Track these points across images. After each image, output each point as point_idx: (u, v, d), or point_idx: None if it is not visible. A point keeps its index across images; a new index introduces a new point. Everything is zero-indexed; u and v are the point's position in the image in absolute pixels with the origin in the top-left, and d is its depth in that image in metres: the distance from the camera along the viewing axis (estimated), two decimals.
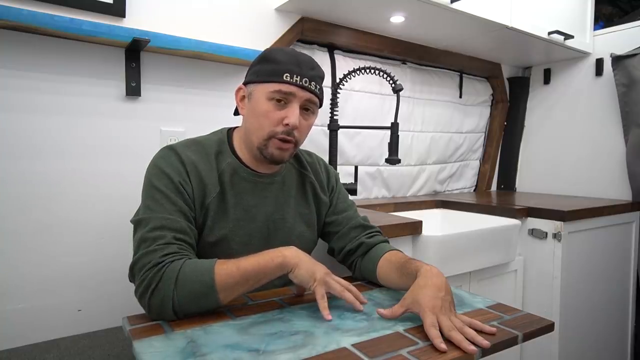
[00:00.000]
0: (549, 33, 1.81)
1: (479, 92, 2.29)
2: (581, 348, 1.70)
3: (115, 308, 1.11)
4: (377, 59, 1.87)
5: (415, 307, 0.71)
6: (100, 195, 1.16)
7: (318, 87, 0.87)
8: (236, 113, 0.93)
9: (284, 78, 0.82)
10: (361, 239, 0.96)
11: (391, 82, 1.35)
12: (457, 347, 0.63)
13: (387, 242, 0.99)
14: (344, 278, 0.96)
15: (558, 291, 1.59)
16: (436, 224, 1.87)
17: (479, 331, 0.67)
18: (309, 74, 0.84)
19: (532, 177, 2.33)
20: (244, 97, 0.89)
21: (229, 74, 1.36)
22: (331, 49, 1.72)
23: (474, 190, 2.38)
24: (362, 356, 0.60)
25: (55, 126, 1.10)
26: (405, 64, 1.96)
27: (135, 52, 1.19)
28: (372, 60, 1.84)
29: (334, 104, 1.53)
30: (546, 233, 1.61)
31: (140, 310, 0.74)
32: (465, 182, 2.33)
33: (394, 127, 1.37)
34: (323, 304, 0.74)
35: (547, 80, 2.27)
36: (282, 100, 0.83)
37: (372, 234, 0.98)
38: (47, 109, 1.09)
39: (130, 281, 0.77)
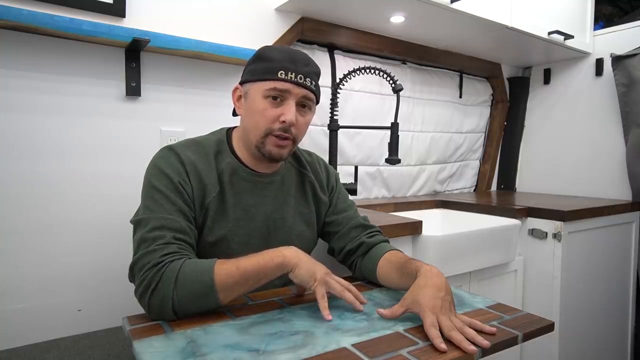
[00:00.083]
0: (549, 33, 1.81)
1: (479, 92, 2.29)
2: (581, 348, 1.70)
3: (115, 308, 1.11)
4: (377, 59, 1.87)
5: (415, 307, 0.71)
6: (100, 195, 1.16)
7: (314, 83, 0.86)
8: (235, 114, 0.93)
9: (279, 75, 0.82)
10: (361, 239, 0.96)
11: (391, 82, 1.35)
12: (457, 347, 0.63)
13: (388, 242, 0.98)
14: (344, 278, 0.96)
15: (558, 291, 1.59)
16: (436, 224, 1.87)
17: (479, 331, 0.67)
18: (303, 71, 0.84)
19: (532, 177, 2.33)
20: (240, 96, 0.90)
21: (229, 74, 1.36)
22: (331, 49, 1.72)
23: (474, 190, 2.38)
24: (362, 356, 0.60)
25: (55, 126, 1.10)
26: (405, 64, 1.96)
27: (135, 52, 1.19)
28: (372, 60, 1.84)
29: (334, 104, 1.53)
30: (546, 233, 1.61)
31: (140, 310, 0.74)
32: (465, 182, 2.33)
33: (394, 127, 1.37)
34: (323, 303, 0.74)
35: (547, 80, 2.27)
36: (278, 98, 0.83)
37: (372, 234, 0.98)
38: (47, 109, 1.09)
39: (131, 281, 0.77)
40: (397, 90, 1.34)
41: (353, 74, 1.46)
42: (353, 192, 1.43)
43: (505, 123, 2.37)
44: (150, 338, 0.65)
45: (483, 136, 2.38)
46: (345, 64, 1.72)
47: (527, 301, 1.67)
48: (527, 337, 0.70)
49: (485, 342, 0.64)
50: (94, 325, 1.10)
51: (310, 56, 0.90)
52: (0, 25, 1.00)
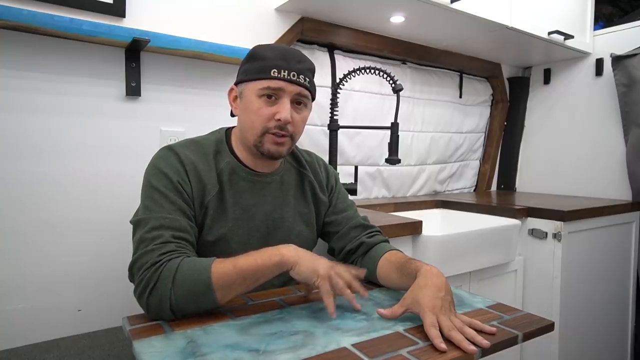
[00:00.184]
0: (549, 33, 1.81)
1: (479, 92, 2.29)
2: (581, 348, 1.70)
3: (115, 308, 1.12)
4: (377, 59, 1.87)
5: (415, 307, 0.71)
6: (100, 195, 1.16)
7: (308, 80, 0.86)
8: (233, 114, 0.93)
9: (272, 74, 0.82)
10: (361, 239, 0.96)
11: (391, 82, 1.35)
12: (457, 347, 0.63)
13: (387, 241, 0.98)
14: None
15: (558, 291, 1.59)
16: (436, 224, 1.87)
17: (479, 331, 0.67)
18: (296, 68, 0.84)
19: (532, 177, 2.33)
20: (236, 97, 0.90)
21: (229, 74, 1.36)
22: (331, 49, 1.72)
23: (474, 190, 2.38)
24: (362, 356, 0.60)
25: (55, 126, 1.10)
26: (405, 64, 1.96)
27: (135, 52, 1.19)
28: (372, 60, 1.84)
29: (334, 104, 1.53)
30: (546, 233, 1.61)
31: (140, 310, 0.74)
32: (465, 182, 2.33)
33: (394, 127, 1.37)
34: (328, 300, 0.72)
35: (547, 80, 2.27)
36: (272, 96, 0.83)
37: (372, 234, 0.98)
38: (47, 109, 1.09)
39: (131, 281, 0.77)
40: (397, 90, 1.34)
41: (353, 74, 1.46)
42: (353, 192, 1.43)
43: (505, 123, 2.37)
44: (150, 338, 0.65)
45: (483, 136, 2.38)
46: (345, 64, 1.72)
47: (527, 301, 1.67)
48: (527, 337, 0.69)
49: (485, 342, 0.64)
50: (94, 325, 1.10)
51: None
52: (0, 25, 0.99)
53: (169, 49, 1.19)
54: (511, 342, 0.68)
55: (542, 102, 2.29)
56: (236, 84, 0.89)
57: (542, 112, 2.29)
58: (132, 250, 0.77)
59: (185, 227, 0.79)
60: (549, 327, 0.73)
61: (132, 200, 0.91)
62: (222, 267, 0.72)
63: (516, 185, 2.38)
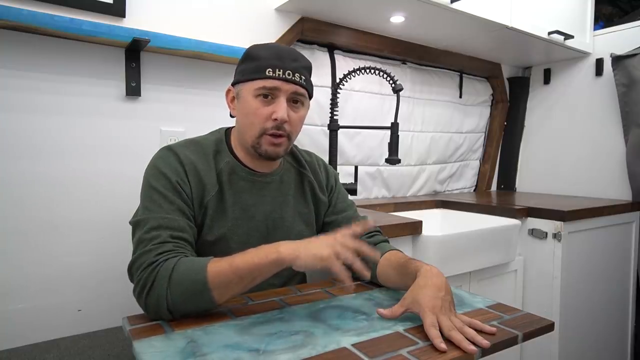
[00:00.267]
0: (549, 33, 1.81)
1: (479, 92, 2.29)
2: (581, 348, 1.70)
3: (115, 308, 1.12)
4: (377, 59, 1.87)
5: (415, 307, 0.71)
6: (100, 195, 1.16)
7: (303, 78, 0.86)
8: (233, 115, 0.93)
9: (267, 73, 0.82)
10: (361, 239, 0.96)
11: (391, 82, 1.35)
12: (457, 347, 0.63)
13: (387, 242, 0.98)
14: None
15: (558, 291, 1.59)
16: (436, 224, 1.87)
17: (479, 331, 0.67)
18: (291, 66, 0.84)
19: (532, 177, 2.33)
20: (233, 98, 0.90)
21: (229, 74, 1.36)
22: (331, 49, 1.72)
23: (474, 190, 2.38)
24: (362, 356, 0.60)
25: (55, 126, 1.10)
26: (405, 64, 1.96)
27: (135, 52, 1.19)
28: (372, 60, 1.84)
29: (334, 104, 1.53)
30: (546, 233, 1.61)
31: (140, 310, 0.74)
32: (465, 182, 2.33)
33: (394, 127, 1.37)
34: (342, 276, 0.68)
35: (547, 80, 2.27)
36: (268, 96, 0.83)
37: (372, 234, 0.98)
38: (47, 109, 1.09)
39: (131, 282, 0.77)
40: (397, 90, 1.34)
41: (353, 74, 1.46)
42: (353, 192, 1.43)
43: (505, 123, 2.37)
44: (150, 338, 0.65)
45: (483, 136, 2.38)
46: (345, 64, 1.72)
47: (527, 301, 1.67)
48: (527, 337, 0.69)
49: (485, 342, 0.64)
50: (94, 325, 1.10)
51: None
52: (0, 25, 1.00)
53: (169, 49, 1.19)
54: (511, 342, 0.68)
55: (542, 102, 2.29)
56: (233, 84, 0.90)
57: (542, 112, 2.29)
58: (132, 251, 0.78)
59: (184, 226, 0.79)
60: (549, 327, 0.73)
61: (132, 200, 0.91)
62: (218, 266, 0.71)
63: (516, 185, 2.38)
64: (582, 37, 2.00)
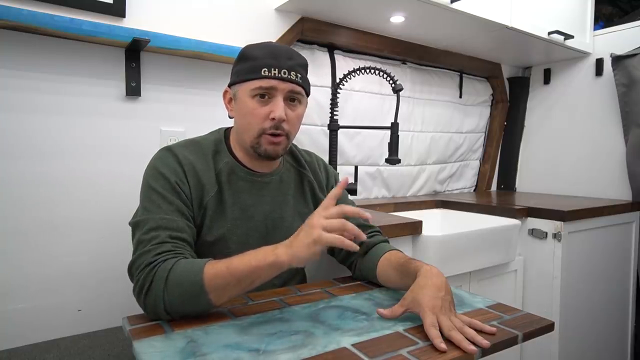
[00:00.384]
0: (549, 33, 1.81)
1: (479, 92, 2.29)
2: (581, 348, 1.70)
3: (115, 308, 1.12)
4: (377, 59, 1.87)
5: (415, 307, 0.71)
6: (100, 195, 1.16)
7: (299, 76, 0.85)
8: (231, 116, 0.93)
9: (262, 73, 0.82)
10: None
11: (391, 82, 1.35)
12: (457, 347, 0.63)
13: (387, 242, 0.98)
14: (343, 278, 0.97)
15: (558, 291, 1.59)
16: (436, 224, 1.87)
17: (479, 331, 0.67)
18: (287, 65, 0.83)
19: (532, 177, 2.33)
20: (231, 99, 0.90)
21: (229, 74, 1.33)
22: (331, 49, 1.72)
23: (474, 190, 2.38)
24: (362, 356, 0.60)
25: (55, 126, 1.10)
26: (405, 64, 1.96)
27: (135, 52, 1.19)
28: (372, 60, 1.84)
29: (334, 104, 1.53)
30: (546, 233, 1.61)
31: (140, 310, 0.74)
32: (465, 182, 2.33)
33: (394, 127, 1.37)
34: (346, 243, 0.66)
35: (547, 80, 2.27)
36: (265, 96, 0.83)
37: (372, 234, 0.98)
38: (47, 109, 1.09)
39: (132, 282, 0.77)
40: (397, 90, 1.34)
41: (353, 74, 1.46)
42: (353, 192, 1.43)
43: (505, 123, 2.37)
44: (150, 338, 0.65)
45: (483, 136, 2.38)
46: (345, 64, 1.72)
47: (527, 301, 1.67)
48: (527, 337, 0.69)
49: (485, 342, 0.64)
50: (94, 325, 1.10)
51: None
52: (0, 25, 0.99)
53: (169, 49, 1.19)
54: (511, 342, 0.68)
55: (542, 102, 2.29)
56: (229, 85, 0.90)
57: (542, 112, 2.29)
58: (132, 252, 0.78)
59: (183, 227, 0.79)
60: (549, 327, 0.73)
61: (132, 200, 0.91)
62: (215, 268, 0.70)
63: (516, 185, 2.38)
64: (582, 37, 2.00)
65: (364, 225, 0.99)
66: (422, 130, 2.05)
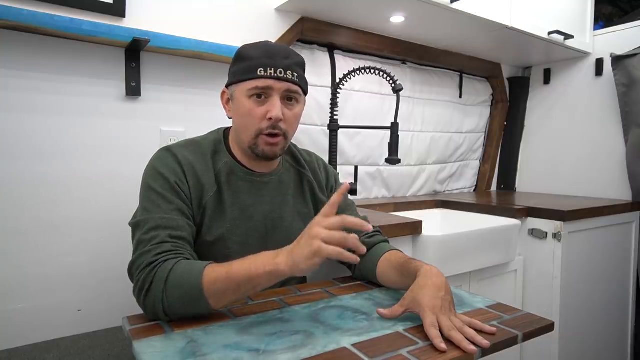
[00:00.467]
0: (549, 33, 1.81)
1: (479, 92, 2.29)
2: (581, 348, 1.70)
3: (115, 308, 1.12)
4: (377, 59, 1.87)
5: (415, 307, 0.71)
6: (100, 195, 1.16)
7: (296, 75, 0.85)
8: (229, 117, 0.93)
9: (259, 73, 0.82)
10: (361, 239, 0.96)
11: (391, 82, 1.35)
12: (457, 347, 0.63)
13: (387, 242, 0.98)
14: (343, 278, 0.97)
15: (558, 291, 1.59)
16: (436, 224, 1.87)
17: (479, 331, 0.67)
18: (283, 64, 0.83)
19: (532, 177, 2.33)
20: (228, 99, 0.89)
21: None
22: (331, 49, 1.72)
23: (474, 190, 2.38)
24: (362, 356, 0.60)
25: (55, 126, 1.10)
26: (405, 64, 1.96)
27: (135, 52, 1.19)
28: (372, 60, 1.84)
29: (334, 104, 1.53)
30: (546, 233, 1.61)
31: (140, 309, 0.74)
32: (465, 182, 2.33)
33: (394, 127, 1.37)
34: (345, 255, 0.64)
35: (547, 80, 2.27)
36: (262, 96, 0.83)
37: (372, 234, 0.98)
38: (47, 109, 1.09)
39: (132, 282, 0.77)
40: (397, 90, 1.34)
41: (353, 74, 1.46)
42: (353, 192, 1.43)
43: (505, 123, 2.37)
44: (150, 338, 0.65)
45: (483, 136, 2.38)
46: (345, 64, 1.72)
47: (527, 301, 1.67)
48: (527, 337, 0.69)
49: (485, 342, 0.64)
50: (94, 325, 1.10)
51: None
52: (0, 25, 0.99)
53: (169, 49, 1.19)
54: (511, 342, 0.68)
55: (542, 102, 2.29)
56: (227, 86, 0.89)
57: (542, 112, 2.29)
58: (132, 252, 0.78)
59: (183, 226, 0.79)
60: (549, 327, 0.73)
61: (132, 200, 0.91)
62: (215, 273, 0.69)
63: (516, 185, 2.38)
64: (582, 37, 2.00)
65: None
66: (422, 130, 2.05)
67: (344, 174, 1.70)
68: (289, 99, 0.86)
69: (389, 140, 1.38)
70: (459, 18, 1.56)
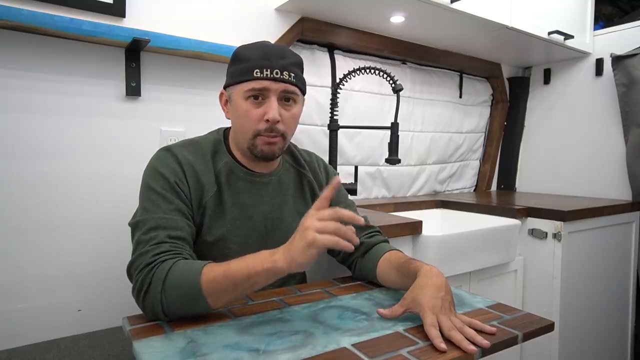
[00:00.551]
0: (549, 33, 1.81)
1: (479, 92, 2.29)
2: (581, 348, 1.70)
3: (115, 308, 1.11)
4: (377, 59, 1.87)
5: (415, 307, 0.71)
6: (100, 195, 1.16)
7: (293, 75, 0.84)
8: (228, 117, 0.93)
9: (255, 74, 0.82)
10: (361, 239, 0.96)
11: (391, 82, 1.35)
12: (457, 347, 0.63)
13: (387, 242, 0.98)
14: (343, 278, 0.97)
15: (558, 291, 1.59)
16: (436, 224, 1.87)
17: (479, 331, 0.67)
18: (279, 65, 0.83)
19: (532, 177, 2.33)
20: (226, 101, 0.89)
21: None
22: (331, 49, 1.72)
23: (474, 190, 2.38)
24: (362, 356, 0.60)
25: (55, 126, 1.10)
26: (405, 64, 1.96)
27: (135, 52, 1.19)
28: (372, 60, 1.84)
29: (334, 104, 1.53)
30: (546, 233, 1.61)
31: (140, 310, 0.74)
32: (465, 182, 2.33)
33: (394, 127, 1.37)
34: (341, 243, 0.65)
35: (547, 80, 2.27)
36: (259, 97, 0.83)
37: (371, 234, 0.98)
38: (47, 109, 1.09)
39: (131, 282, 0.77)
40: (397, 90, 1.34)
41: (353, 74, 1.46)
42: (353, 192, 1.43)
43: (505, 123, 2.37)
44: (150, 338, 0.65)
45: (483, 136, 2.38)
46: (345, 64, 1.72)
47: (527, 301, 1.67)
48: (527, 337, 0.70)
49: (485, 342, 0.64)
50: (94, 325, 1.10)
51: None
52: (0, 25, 0.99)
53: (169, 49, 1.19)
54: (511, 342, 0.68)
55: (542, 102, 2.29)
56: (224, 87, 0.89)
57: (542, 112, 2.29)
58: (131, 252, 0.77)
59: (183, 226, 0.79)
60: (549, 327, 0.73)
61: (132, 200, 0.90)
62: (212, 272, 0.69)
63: (516, 185, 2.38)
64: (582, 37, 2.00)
65: (363, 226, 0.99)
66: (422, 130, 2.05)
67: (344, 174, 1.70)
68: (286, 99, 0.85)
69: (389, 140, 1.38)
70: (459, 18, 1.56)
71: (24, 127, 1.06)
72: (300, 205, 0.97)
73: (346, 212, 0.68)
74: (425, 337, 0.65)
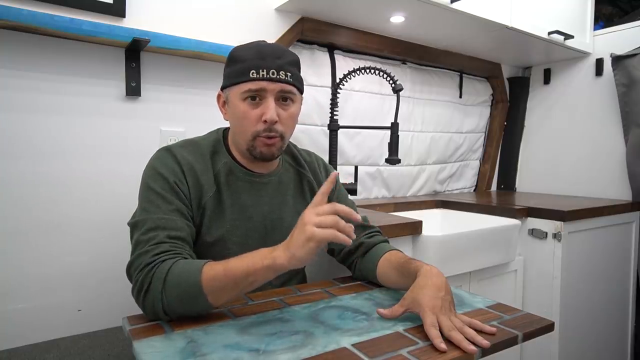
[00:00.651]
0: (549, 33, 1.81)
1: (479, 92, 2.29)
2: (581, 348, 1.70)
3: (115, 308, 1.11)
4: (377, 59, 1.87)
5: (415, 307, 0.71)
6: (100, 195, 1.16)
7: (289, 74, 0.84)
8: (226, 119, 0.93)
9: (251, 75, 0.81)
10: (361, 239, 0.96)
11: (391, 82, 1.36)
12: (457, 347, 0.63)
13: (387, 242, 0.98)
14: (343, 278, 0.97)
15: (558, 291, 1.59)
16: (436, 224, 1.87)
17: (479, 331, 0.67)
18: (275, 65, 0.82)
19: (532, 177, 2.33)
20: (224, 102, 0.89)
21: None
22: (331, 49, 1.72)
23: (474, 190, 2.38)
24: (362, 356, 0.60)
25: (55, 126, 1.10)
26: (405, 64, 1.96)
27: (135, 52, 1.19)
28: (372, 60, 1.84)
29: (334, 104, 1.53)
30: (546, 233, 1.61)
31: (140, 310, 0.74)
32: (465, 182, 2.33)
33: (394, 127, 1.37)
34: (340, 237, 0.65)
35: (547, 80, 2.27)
36: (256, 98, 0.83)
37: (371, 234, 0.98)
38: (47, 109, 1.09)
39: (130, 282, 0.77)
40: (397, 90, 1.34)
41: (353, 74, 1.46)
42: (353, 192, 1.43)
43: (505, 123, 2.37)
44: (150, 338, 0.65)
45: (483, 136, 2.38)
46: (345, 64, 1.72)
47: (527, 301, 1.67)
48: (527, 337, 0.70)
49: (485, 342, 0.64)
50: (94, 325, 1.10)
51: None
52: (0, 25, 0.99)
53: (169, 49, 1.19)
54: (511, 342, 0.68)
55: (542, 102, 2.29)
56: (222, 89, 0.89)
57: (542, 112, 2.29)
58: (130, 252, 0.77)
59: (182, 226, 0.79)
60: (549, 327, 0.73)
61: (132, 200, 0.90)
62: (212, 270, 0.69)
63: (516, 185, 2.38)
64: (582, 37, 2.00)
65: (364, 225, 0.99)
66: (422, 130, 2.05)
67: (344, 174, 1.70)
68: (283, 99, 0.85)
69: (389, 140, 1.38)
70: (459, 18, 1.56)
71: (24, 127, 1.06)
72: (300, 205, 0.97)
73: (344, 207, 0.68)
74: (425, 337, 0.65)
